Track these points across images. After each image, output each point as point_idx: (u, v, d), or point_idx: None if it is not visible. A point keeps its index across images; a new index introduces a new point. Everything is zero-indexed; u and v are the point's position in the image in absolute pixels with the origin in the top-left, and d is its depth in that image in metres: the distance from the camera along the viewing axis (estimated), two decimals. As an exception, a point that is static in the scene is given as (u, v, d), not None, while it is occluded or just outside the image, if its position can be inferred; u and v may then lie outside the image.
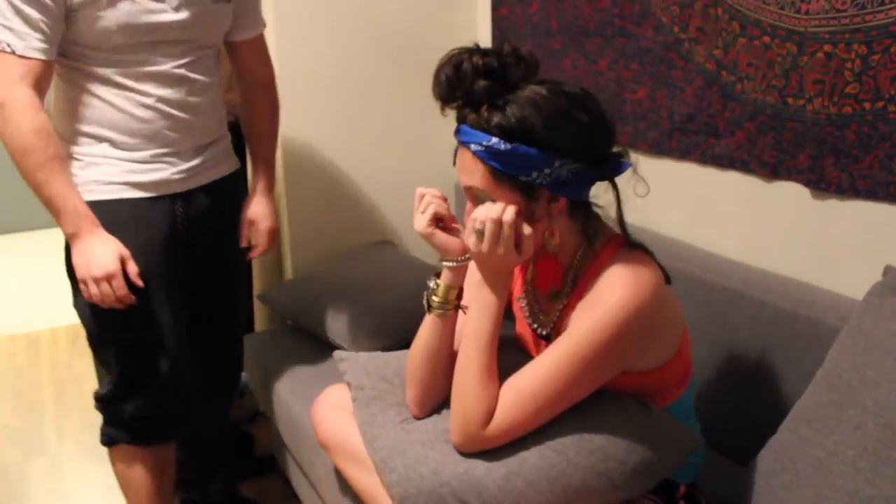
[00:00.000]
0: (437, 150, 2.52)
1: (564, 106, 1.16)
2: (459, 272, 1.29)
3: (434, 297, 1.31)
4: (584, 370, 1.17)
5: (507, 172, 1.15)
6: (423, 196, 1.28)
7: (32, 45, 1.43)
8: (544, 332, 1.34)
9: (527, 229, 1.16)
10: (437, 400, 1.33)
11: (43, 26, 1.43)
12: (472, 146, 1.15)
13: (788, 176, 1.58)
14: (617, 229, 1.27)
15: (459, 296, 1.30)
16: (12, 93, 1.43)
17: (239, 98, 1.93)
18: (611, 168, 1.21)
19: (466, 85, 1.15)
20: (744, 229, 1.71)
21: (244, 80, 1.87)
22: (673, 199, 1.88)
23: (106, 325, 1.63)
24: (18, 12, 1.41)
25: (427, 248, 2.57)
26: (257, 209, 1.86)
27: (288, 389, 1.99)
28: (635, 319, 1.16)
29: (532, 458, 1.18)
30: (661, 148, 1.88)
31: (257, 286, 2.46)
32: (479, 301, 1.23)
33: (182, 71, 1.59)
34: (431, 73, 2.60)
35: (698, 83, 1.74)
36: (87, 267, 1.51)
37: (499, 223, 1.15)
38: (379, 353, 1.51)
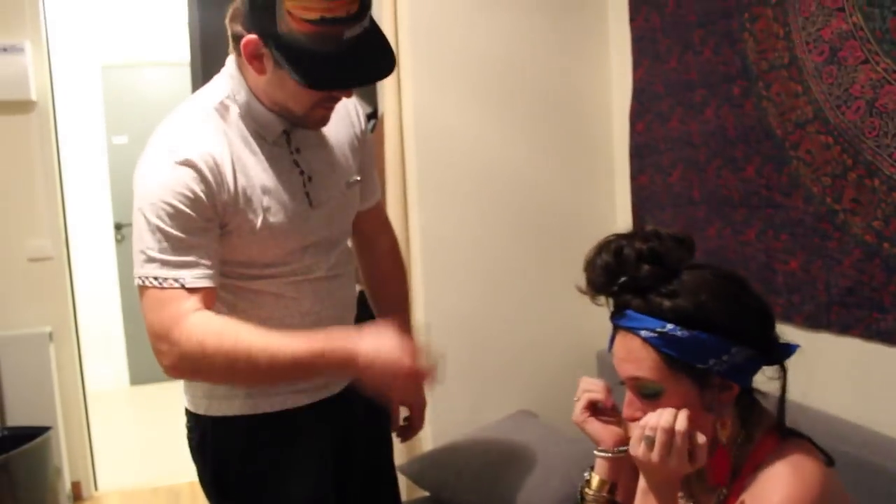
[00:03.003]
0: (577, 318, 2.50)
1: (735, 290, 1.14)
2: (614, 465, 1.23)
3: (587, 490, 1.25)
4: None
5: (683, 360, 1.11)
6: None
7: (202, 274, 1.34)
8: (703, 528, 1.24)
9: (700, 438, 1.11)
10: None
11: (208, 252, 1.36)
12: (643, 332, 1.12)
13: (968, 356, 1.46)
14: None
15: (613, 490, 1.23)
16: (184, 328, 1.30)
17: (363, 271, 1.81)
18: (781, 351, 1.16)
19: (630, 271, 1.14)
20: (921, 412, 1.57)
21: (368, 250, 1.78)
22: (835, 375, 1.76)
23: None
24: (180, 243, 1.32)
25: (569, 419, 2.51)
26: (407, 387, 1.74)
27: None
28: None
29: None
30: (818, 322, 1.78)
31: (395, 456, 2.45)
32: None
33: (334, 271, 1.55)
34: (573, 247, 2.62)
35: (857, 255, 1.66)
36: (388, 383, 1.34)
37: (671, 433, 1.09)
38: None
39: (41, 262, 3.39)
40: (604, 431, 1.23)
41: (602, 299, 1.20)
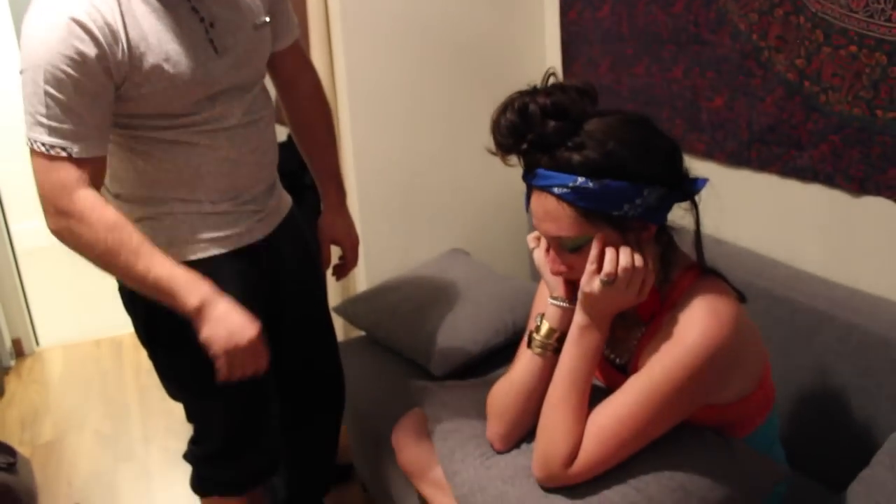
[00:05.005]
0: (508, 157, 2.50)
1: (642, 133, 1.15)
2: (565, 315, 1.25)
3: (535, 335, 1.29)
4: (664, 408, 1.16)
5: (599, 210, 1.12)
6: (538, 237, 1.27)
7: (90, 145, 1.32)
8: (620, 362, 1.32)
9: (651, 274, 1.16)
10: (521, 435, 1.32)
11: (97, 120, 1.32)
12: (556, 189, 1.12)
13: (877, 191, 1.52)
14: (689, 251, 1.25)
15: (560, 340, 1.26)
16: (73, 201, 1.31)
17: (287, 114, 1.79)
18: (690, 187, 1.19)
19: (536, 127, 1.12)
20: (829, 245, 1.65)
21: (290, 92, 1.74)
22: (753, 210, 1.83)
23: (210, 391, 1.48)
24: (69, 111, 1.28)
25: (500, 257, 2.58)
26: (337, 227, 1.81)
27: (367, 404, 2.02)
28: (715, 356, 1.13)
29: (613, 497, 1.16)
30: (739, 158, 1.82)
31: (331, 297, 2.50)
32: (582, 344, 1.21)
33: (249, 117, 1.51)
34: (503, 85, 2.57)
35: (779, 93, 1.68)
36: (230, 337, 1.36)
37: (631, 270, 1.13)
38: (455, 383, 1.51)
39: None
40: (561, 280, 1.25)
41: (514, 159, 1.18)
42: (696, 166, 1.90)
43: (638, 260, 1.14)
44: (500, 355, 2.05)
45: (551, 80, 1.17)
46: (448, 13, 2.39)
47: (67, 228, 1.33)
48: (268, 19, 1.54)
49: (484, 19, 2.43)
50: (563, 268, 1.21)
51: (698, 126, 1.92)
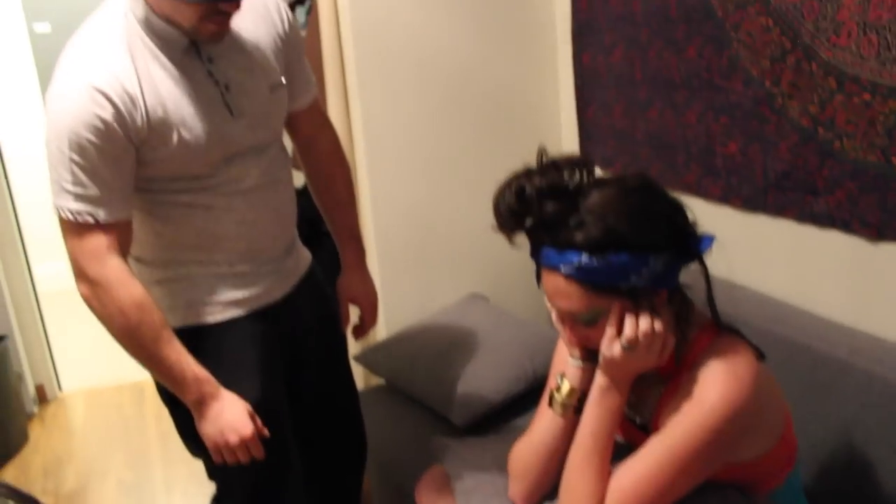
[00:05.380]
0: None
1: (640, 202, 1.14)
2: (586, 375, 1.26)
3: (556, 395, 1.29)
4: (685, 470, 1.15)
5: (607, 285, 1.13)
6: None
7: (115, 208, 1.35)
8: (641, 421, 1.31)
9: (670, 337, 1.17)
10: (544, 493, 1.32)
11: (121, 183, 1.35)
12: (563, 268, 1.13)
13: (895, 237, 1.51)
14: (703, 307, 1.25)
15: (581, 400, 1.26)
16: (104, 269, 1.35)
17: (306, 173, 1.80)
18: (697, 246, 1.19)
19: (534, 210, 1.14)
20: (848, 291, 1.64)
21: (309, 151, 1.75)
22: (770, 256, 1.82)
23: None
24: (93, 176, 1.31)
25: (520, 301, 2.58)
26: (356, 286, 1.81)
27: (388, 454, 2.01)
28: (735, 417, 1.13)
29: (637, 559, 1.15)
30: (755, 204, 1.82)
31: (350, 346, 2.50)
32: (603, 405, 1.21)
33: (267, 178, 1.52)
34: (518, 130, 2.57)
35: (793, 139, 1.68)
36: (221, 435, 1.43)
37: (651, 335, 1.14)
38: (476, 440, 1.51)
39: (-27, 168, 3.27)
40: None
41: (520, 236, 1.19)
42: (711, 211, 1.93)
43: (658, 324, 1.14)
44: (521, 402, 2.04)
45: (545, 159, 1.18)
46: (461, 60, 2.41)
47: (95, 296, 1.37)
48: (284, 81, 1.56)
49: (498, 65, 2.46)
50: (577, 338, 1.21)
51: (713, 171, 1.92)
